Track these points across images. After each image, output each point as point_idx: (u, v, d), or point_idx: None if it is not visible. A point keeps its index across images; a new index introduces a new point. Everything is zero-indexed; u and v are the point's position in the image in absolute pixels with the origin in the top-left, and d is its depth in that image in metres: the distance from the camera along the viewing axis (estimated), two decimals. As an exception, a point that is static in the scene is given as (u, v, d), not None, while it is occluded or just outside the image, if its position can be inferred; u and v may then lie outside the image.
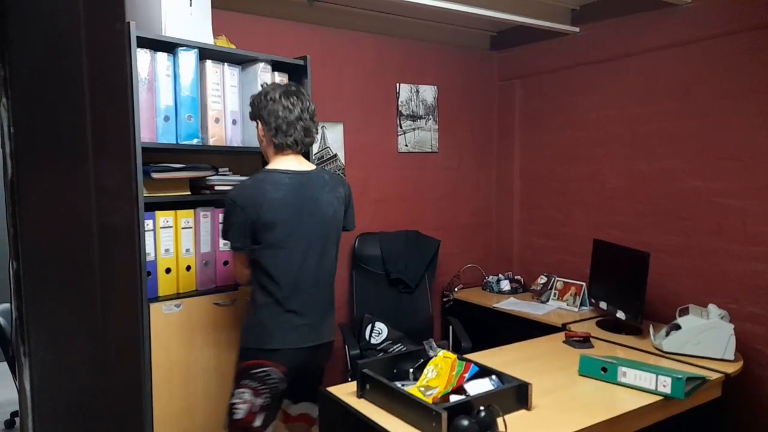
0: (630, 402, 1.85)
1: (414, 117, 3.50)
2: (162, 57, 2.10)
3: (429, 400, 1.66)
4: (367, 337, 2.92)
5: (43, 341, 0.52)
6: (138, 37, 1.98)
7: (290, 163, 1.97)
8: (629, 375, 1.95)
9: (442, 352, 1.85)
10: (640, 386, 1.92)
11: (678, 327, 2.32)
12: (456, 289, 3.58)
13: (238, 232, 1.89)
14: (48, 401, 0.52)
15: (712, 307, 2.36)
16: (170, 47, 2.12)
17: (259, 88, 2.07)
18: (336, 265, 2.07)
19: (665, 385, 1.88)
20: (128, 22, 1.96)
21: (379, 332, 2.93)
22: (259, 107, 1.98)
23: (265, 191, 1.88)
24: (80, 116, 0.51)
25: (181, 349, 2.13)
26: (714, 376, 2.10)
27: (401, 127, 3.45)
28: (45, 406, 0.51)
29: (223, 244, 2.20)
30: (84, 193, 0.52)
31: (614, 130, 3.14)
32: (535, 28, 3.16)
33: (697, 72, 2.74)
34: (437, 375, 1.77)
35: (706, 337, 2.25)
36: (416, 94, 3.49)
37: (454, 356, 1.83)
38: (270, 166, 1.97)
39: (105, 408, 0.54)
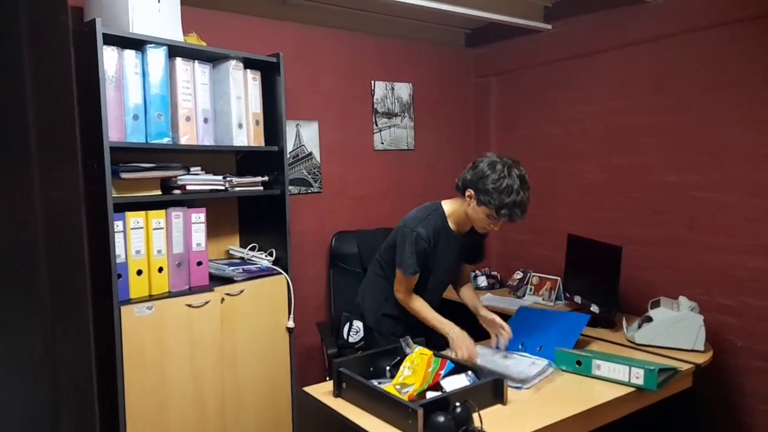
0: (604, 394, 1.87)
1: (390, 115, 3.49)
2: (130, 54, 2.06)
3: (405, 398, 1.66)
4: (344, 335, 2.91)
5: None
6: (104, 34, 1.94)
7: None
8: (603, 368, 1.98)
9: (418, 349, 1.85)
10: (614, 378, 1.95)
11: (650, 319, 2.35)
12: (434, 286, 3.58)
13: None
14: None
15: (682, 299, 2.41)
16: (138, 44, 2.08)
17: (231, 86, 2.05)
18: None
19: (638, 376, 1.91)
20: (94, 19, 1.92)
21: (356, 331, 2.92)
22: None
23: None
24: (23, 116, 0.49)
25: (154, 351, 2.09)
26: (685, 366, 2.13)
27: (377, 125, 3.44)
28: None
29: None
30: (29, 193, 0.50)
31: (591, 125, 3.17)
32: (508, 26, 3.17)
33: (672, 67, 2.77)
34: (413, 372, 1.76)
35: (676, 329, 2.29)
36: (391, 92, 3.48)
37: (429, 353, 1.83)
38: None
39: (55, 411, 0.53)
